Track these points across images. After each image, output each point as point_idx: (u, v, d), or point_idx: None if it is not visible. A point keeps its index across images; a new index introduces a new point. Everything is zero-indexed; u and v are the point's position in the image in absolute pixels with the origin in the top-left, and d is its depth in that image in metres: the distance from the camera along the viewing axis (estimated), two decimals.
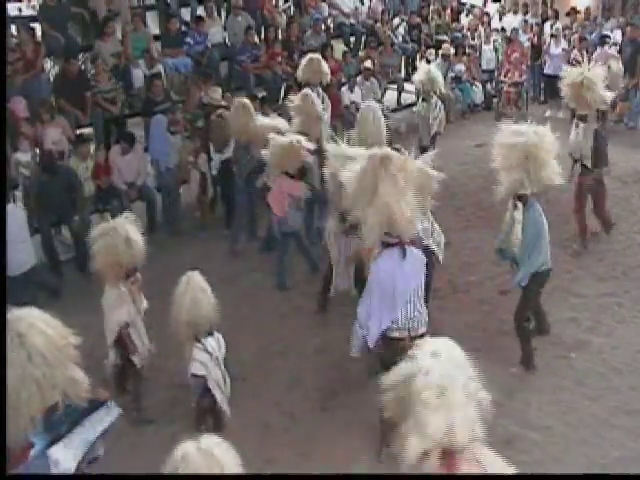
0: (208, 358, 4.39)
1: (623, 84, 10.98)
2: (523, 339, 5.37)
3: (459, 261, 7.02)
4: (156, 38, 10.01)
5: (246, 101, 7.33)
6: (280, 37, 11.03)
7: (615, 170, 9.13)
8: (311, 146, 6.45)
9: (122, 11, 9.78)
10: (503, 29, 13.12)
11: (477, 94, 12.48)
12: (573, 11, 13.31)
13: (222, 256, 7.38)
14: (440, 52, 11.99)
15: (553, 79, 12.26)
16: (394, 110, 11.97)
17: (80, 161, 7.48)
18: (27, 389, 2.88)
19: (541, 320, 5.75)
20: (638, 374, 5.33)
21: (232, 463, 2.43)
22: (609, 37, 12.05)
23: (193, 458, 2.37)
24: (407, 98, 12.52)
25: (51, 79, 8.83)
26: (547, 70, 12.46)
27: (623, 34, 12.33)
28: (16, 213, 6.24)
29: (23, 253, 6.28)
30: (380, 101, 10.80)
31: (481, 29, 13.08)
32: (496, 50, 12.70)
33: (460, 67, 12.09)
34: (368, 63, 10.63)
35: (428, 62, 11.51)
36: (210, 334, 4.44)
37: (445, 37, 12.80)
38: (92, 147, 8.21)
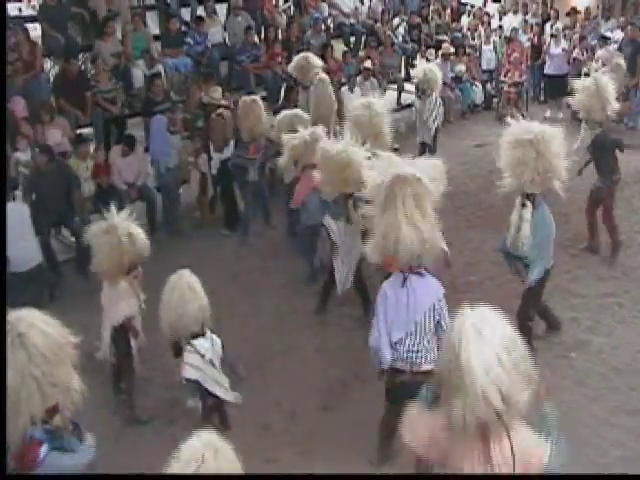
0: (200, 360, 4.27)
1: (624, 84, 10.97)
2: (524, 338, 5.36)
3: (459, 261, 7.01)
4: (156, 38, 10.01)
5: (254, 98, 7.40)
6: (280, 37, 11.04)
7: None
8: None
9: (122, 11, 9.78)
10: (501, 28, 13.11)
11: (477, 94, 12.48)
12: (573, 11, 13.30)
13: (222, 256, 7.38)
14: (440, 52, 11.99)
15: (553, 79, 12.33)
16: (394, 110, 11.96)
17: (80, 161, 7.48)
18: (27, 388, 2.88)
19: (549, 318, 5.75)
20: (638, 374, 5.33)
21: (234, 462, 2.44)
22: (609, 38, 12.05)
23: (208, 457, 2.39)
24: (407, 98, 12.52)
25: (51, 79, 8.84)
26: (547, 70, 12.46)
27: (625, 34, 12.31)
28: (20, 210, 6.25)
29: (28, 250, 6.28)
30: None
31: (481, 29, 13.08)
32: (496, 50, 12.70)
33: (460, 67, 12.09)
34: (368, 63, 10.64)
35: (427, 62, 11.53)
36: (202, 335, 4.32)
37: (445, 37, 12.80)
38: (92, 147, 8.22)
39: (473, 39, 13.10)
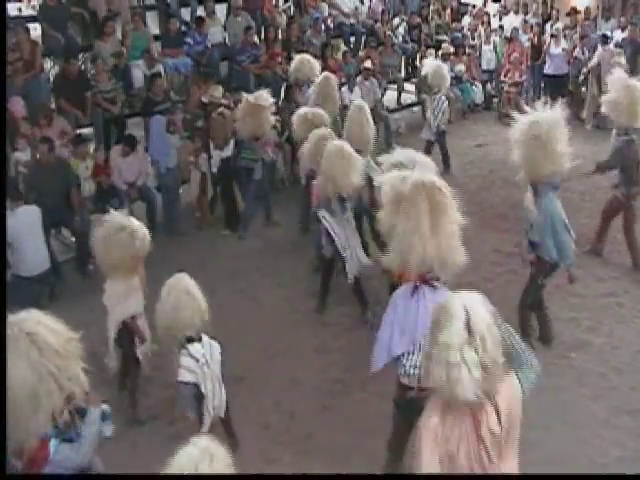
0: (195, 364, 4.18)
1: None
2: (522, 326, 5.40)
3: None
4: (156, 38, 10.01)
5: (259, 96, 7.47)
6: (280, 37, 11.04)
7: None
8: None
9: (122, 11, 9.78)
10: (501, 28, 13.11)
11: (477, 94, 12.48)
12: (573, 11, 13.29)
13: (222, 256, 7.38)
14: (440, 52, 11.99)
15: (553, 79, 12.33)
16: (394, 110, 11.98)
17: (80, 161, 7.48)
18: (45, 384, 2.88)
19: (545, 327, 5.73)
20: (638, 374, 5.33)
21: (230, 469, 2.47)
22: (610, 38, 12.04)
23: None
24: (407, 98, 12.54)
25: (51, 79, 8.84)
26: (547, 70, 12.45)
27: (624, 34, 12.31)
28: (33, 213, 6.27)
29: (39, 255, 6.32)
30: (380, 101, 10.84)
31: (481, 29, 13.08)
32: (496, 50, 12.70)
33: (460, 67, 12.09)
34: (368, 63, 10.63)
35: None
36: (197, 340, 4.22)
37: (445, 37, 12.81)
38: (92, 147, 8.23)
39: (473, 39, 13.11)
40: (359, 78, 10.52)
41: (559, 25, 12.66)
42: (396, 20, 12.87)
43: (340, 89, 10.27)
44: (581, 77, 11.79)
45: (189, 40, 9.91)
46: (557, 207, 5.21)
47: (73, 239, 7.35)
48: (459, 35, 13.10)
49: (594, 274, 6.79)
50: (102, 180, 7.55)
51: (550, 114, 5.08)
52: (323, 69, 9.31)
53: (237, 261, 7.32)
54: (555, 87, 12.03)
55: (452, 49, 12.03)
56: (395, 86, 12.18)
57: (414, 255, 3.73)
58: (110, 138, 8.74)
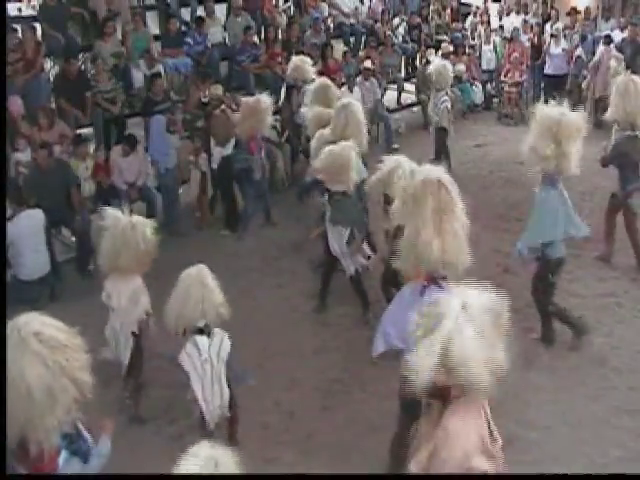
0: (197, 356, 4.17)
1: None
2: (559, 318, 5.57)
3: None
4: (156, 38, 10.01)
5: (258, 98, 7.50)
6: (280, 37, 11.04)
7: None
8: None
9: (122, 11, 9.78)
10: (502, 28, 13.11)
11: (477, 94, 12.48)
12: (573, 11, 13.30)
13: (222, 256, 7.37)
14: (440, 52, 12.00)
15: (553, 79, 12.32)
16: (394, 110, 11.98)
17: (80, 161, 7.47)
18: (58, 380, 2.87)
19: (548, 326, 5.73)
20: (638, 374, 5.33)
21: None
22: (611, 37, 12.04)
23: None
24: (407, 98, 12.54)
25: (51, 79, 8.84)
26: (547, 70, 12.45)
27: (624, 34, 12.31)
28: (37, 217, 6.29)
29: (40, 260, 6.34)
30: (380, 101, 10.84)
31: (481, 29, 13.08)
32: (496, 50, 12.69)
33: (460, 67, 12.09)
34: (368, 63, 10.63)
35: (427, 62, 11.53)
36: (206, 333, 4.22)
37: (445, 37, 12.81)
38: (92, 147, 8.22)
39: (473, 39, 13.11)
40: (359, 78, 10.52)
41: (559, 25, 12.66)
42: (396, 20, 12.88)
43: (340, 89, 10.30)
44: (581, 78, 11.78)
45: (189, 40, 9.91)
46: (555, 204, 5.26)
47: (73, 239, 7.34)
48: (459, 35, 13.11)
49: (594, 274, 6.79)
50: (102, 180, 7.55)
51: (575, 114, 5.15)
52: (321, 73, 9.31)
53: (237, 261, 7.31)
54: (555, 87, 12.03)
55: (451, 48, 12.02)
56: (395, 86, 12.19)
57: (422, 254, 3.75)
58: (110, 138, 8.74)
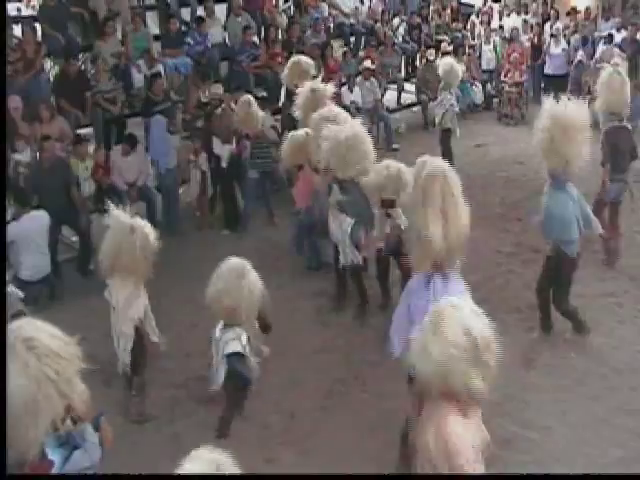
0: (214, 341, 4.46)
1: None
2: (570, 317, 5.62)
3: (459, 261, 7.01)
4: (156, 38, 10.01)
5: (249, 97, 7.49)
6: (281, 37, 11.04)
7: None
8: None
9: (122, 11, 9.78)
10: (501, 28, 13.11)
11: (477, 94, 12.47)
12: (573, 11, 13.31)
13: (222, 256, 7.35)
14: (440, 51, 11.99)
15: (553, 79, 12.33)
16: (394, 110, 11.98)
17: (79, 161, 7.48)
18: (43, 390, 2.83)
19: (547, 314, 5.77)
20: (638, 374, 5.33)
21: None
22: (612, 36, 12.07)
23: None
24: (407, 98, 12.54)
25: (51, 79, 8.84)
26: (547, 70, 12.46)
27: (624, 34, 12.32)
28: (42, 218, 6.30)
29: (43, 262, 6.34)
30: (380, 101, 10.85)
31: (481, 29, 13.08)
32: (496, 50, 12.69)
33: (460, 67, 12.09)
34: (368, 63, 10.64)
35: (427, 62, 11.54)
36: (229, 326, 4.41)
37: (445, 37, 12.81)
38: (92, 147, 8.22)
39: (473, 39, 13.11)
40: (359, 78, 10.52)
41: (559, 25, 12.67)
42: (396, 20, 12.87)
43: (340, 89, 10.30)
44: (584, 83, 11.77)
45: (189, 40, 9.92)
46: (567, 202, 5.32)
47: (73, 239, 7.34)
48: (459, 35, 13.11)
49: (594, 274, 6.78)
50: (102, 180, 7.55)
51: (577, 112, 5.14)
52: (319, 79, 9.31)
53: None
54: (555, 87, 12.02)
55: (449, 48, 12.01)
56: (395, 86, 12.19)
57: (428, 244, 3.85)
58: (110, 138, 8.75)
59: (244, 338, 4.45)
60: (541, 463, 4.44)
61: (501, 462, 4.17)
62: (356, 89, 10.33)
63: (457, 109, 9.27)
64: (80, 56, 9.35)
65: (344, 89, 10.33)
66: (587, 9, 13.44)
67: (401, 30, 12.76)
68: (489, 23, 13.27)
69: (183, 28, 10.32)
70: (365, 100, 10.38)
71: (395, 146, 10.48)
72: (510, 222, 7.96)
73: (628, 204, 8.34)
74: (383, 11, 12.84)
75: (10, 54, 7.96)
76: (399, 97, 12.36)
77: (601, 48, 11.57)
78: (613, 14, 13.51)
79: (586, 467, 4.37)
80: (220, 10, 10.80)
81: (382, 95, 11.24)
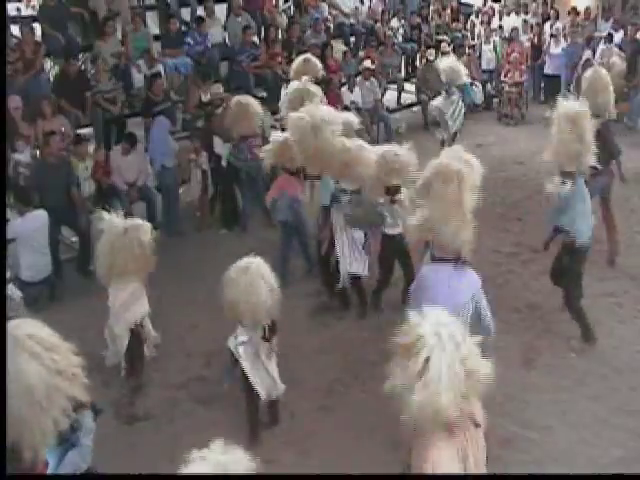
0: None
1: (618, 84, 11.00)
2: (577, 317, 5.60)
3: None
4: (156, 38, 10.01)
5: (245, 97, 7.44)
6: (281, 37, 11.04)
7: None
8: None
9: (122, 11, 9.78)
10: (501, 28, 13.10)
11: (477, 94, 12.44)
12: (573, 11, 13.31)
13: (222, 256, 7.35)
14: (440, 51, 11.98)
15: (553, 79, 12.33)
16: (394, 110, 11.98)
17: (79, 161, 7.47)
18: (54, 380, 2.85)
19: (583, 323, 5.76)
20: (638, 374, 5.33)
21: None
22: (612, 35, 12.07)
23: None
24: (407, 98, 12.54)
25: (51, 79, 8.84)
26: (547, 70, 12.46)
27: (625, 34, 12.32)
28: (43, 217, 6.30)
29: (45, 261, 6.34)
30: (380, 101, 10.84)
31: (481, 29, 13.08)
32: (496, 50, 12.69)
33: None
34: (368, 63, 10.63)
35: (427, 62, 11.53)
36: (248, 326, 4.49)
37: (445, 37, 12.80)
38: (92, 147, 8.22)
39: (473, 39, 13.10)
40: (359, 78, 10.51)
41: (559, 25, 12.67)
42: (394, 21, 12.85)
43: (340, 89, 10.30)
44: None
45: (189, 40, 9.91)
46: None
47: (73, 239, 7.34)
48: (459, 35, 13.10)
49: (594, 274, 6.77)
50: (102, 180, 7.55)
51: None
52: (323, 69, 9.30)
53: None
54: (555, 87, 12.04)
55: (448, 48, 11.99)
56: (395, 86, 12.18)
57: (442, 233, 3.97)
58: (110, 138, 8.74)
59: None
60: (541, 463, 4.44)
61: (501, 462, 4.17)
62: (356, 89, 10.32)
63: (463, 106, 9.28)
64: (80, 56, 9.35)
65: (344, 89, 10.32)
66: (587, 9, 13.44)
67: (401, 30, 12.75)
68: (489, 23, 13.27)
69: (183, 28, 10.32)
70: (365, 100, 10.37)
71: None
72: (510, 222, 7.96)
73: (627, 204, 8.38)
74: (383, 11, 12.83)
75: (9, 54, 7.95)
76: (399, 97, 12.36)
77: (601, 48, 11.57)
78: (613, 14, 13.51)
79: (586, 467, 4.37)
80: (220, 10, 10.79)
81: (382, 95, 11.24)
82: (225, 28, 10.60)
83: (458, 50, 12.11)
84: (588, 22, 13.14)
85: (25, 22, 8.95)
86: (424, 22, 13.19)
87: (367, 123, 10.36)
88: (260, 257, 4.84)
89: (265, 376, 4.57)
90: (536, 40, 12.72)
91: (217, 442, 2.49)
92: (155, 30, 10.39)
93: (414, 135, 9.65)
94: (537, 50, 12.65)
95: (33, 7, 11.51)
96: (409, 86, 12.47)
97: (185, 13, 10.74)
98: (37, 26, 9.17)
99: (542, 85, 12.78)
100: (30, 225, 6.17)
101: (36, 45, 8.44)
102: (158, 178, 8.07)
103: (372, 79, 10.55)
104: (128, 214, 5.76)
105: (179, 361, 5.56)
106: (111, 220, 4.77)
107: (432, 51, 11.79)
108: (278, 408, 4.85)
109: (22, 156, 7.26)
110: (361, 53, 11.71)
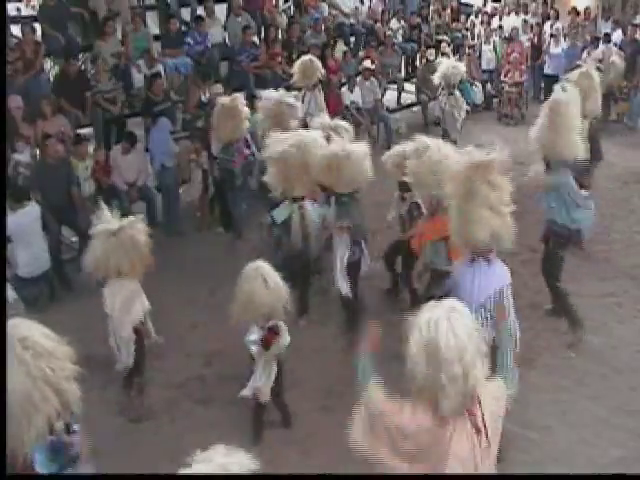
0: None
1: (624, 84, 11.02)
2: (562, 304, 5.65)
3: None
4: (156, 38, 10.01)
5: (232, 99, 7.36)
6: (281, 37, 11.04)
7: (615, 170, 9.14)
8: None
9: (122, 11, 9.79)
10: (501, 28, 13.10)
11: (477, 94, 12.46)
12: (573, 11, 13.31)
13: (222, 256, 7.37)
14: (440, 51, 11.99)
15: (553, 79, 12.30)
16: (394, 110, 11.98)
17: (79, 161, 7.47)
18: (39, 388, 2.83)
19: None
20: (638, 374, 5.34)
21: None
22: (610, 35, 12.07)
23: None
24: (407, 98, 12.54)
25: (51, 79, 8.84)
26: (547, 70, 12.46)
27: (624, 34, 12.33)
28: (36, 212, 6.28)
29: (42, 255, 6.32)
30: (380, 101, 10.84)
31: (481, 29, 13.08)
32: (496, 50, 12.69)
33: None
34: (368, 63, 10.64)
35: (427, 62, 11.53)
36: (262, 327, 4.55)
37: (445, 37, 12.80)
38: (92, 147, 8.22)
39: (473, 39, 13.10)
40: (359, 78, 10.52)
41: (559, 25, 12.66)
42: (394, 22, 12.85)
43: (340, 89, 10.30)
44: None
45: (189, 40, 9.92)
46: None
47: (73, 239, 7.34)
48: (459, 35, 13.10)
49: (594, 274, 6.79)
50: (102, 180, 7.55)
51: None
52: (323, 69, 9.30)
53: (237, 261, 7.23)
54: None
55: (448, 48, 12.00)
56: (395, 86, 12.18)
57: (474, 230, 4.06)
58: (110, 138, 8.75)
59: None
60: (541, 463, 4.44)
61: (501, 462, 4.17)
62: (356, 89, 10.33)
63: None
64: (80, 56, 9.35)
65: (344, 89, 10.33)
66: (587, 9, 13.44)
67: (400, 30, 12.75)
68: (489, 23, 13.27)
69: (183, 28, 10.32)
70: (365, 100, 10.38)
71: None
72: None
73: (627, 204, 8.38)
74: (383, 11, 12.83)
75: (9, 54, 7.96)
76: (399, 97, 12.36)
77: (600, 47, 11.56)
78: (613, 14, 13.51)
79: (586, 467, 4.37)
80: (220, 10, 10.80)
81: (382, 95, 11.24)
82: (225, 28, 10.60)
83: (458, 50, 12.14)
84: (588, 22, 13.15)
85: (25, 22, 8.96)
86: (424, 22, 13.19)
87: (367, 123, 10.40)
88: (260, 257, 4.81)
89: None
90: (536, 40, 12.72)
91: (218, 442, 2.47)
92: (155, 30, 10.40)
93: (414, 135, 9.63)
94: (537, 50, 12.64)
95: (33, 7, 11.51)
96: (409, 86, 12.47)
97: (185, 13, 10.74)
98: (37, 26, 9.18)
99: (542, 85, 12.77)
100: (22, 220, 6.14)
101: (36, 45, 8.45)
102: (158, 178, 8.08)
103: (372, 79, 10.55)
104: (127, 214, 5.74)
105: (179, 361, 5.56)
106: (105, 220, 4.75)
107: (432, 51, 11.80)
108: (289, 410, 4.87)
109: (22, 156, 7.26)
110: (361, 53, 11.71)
